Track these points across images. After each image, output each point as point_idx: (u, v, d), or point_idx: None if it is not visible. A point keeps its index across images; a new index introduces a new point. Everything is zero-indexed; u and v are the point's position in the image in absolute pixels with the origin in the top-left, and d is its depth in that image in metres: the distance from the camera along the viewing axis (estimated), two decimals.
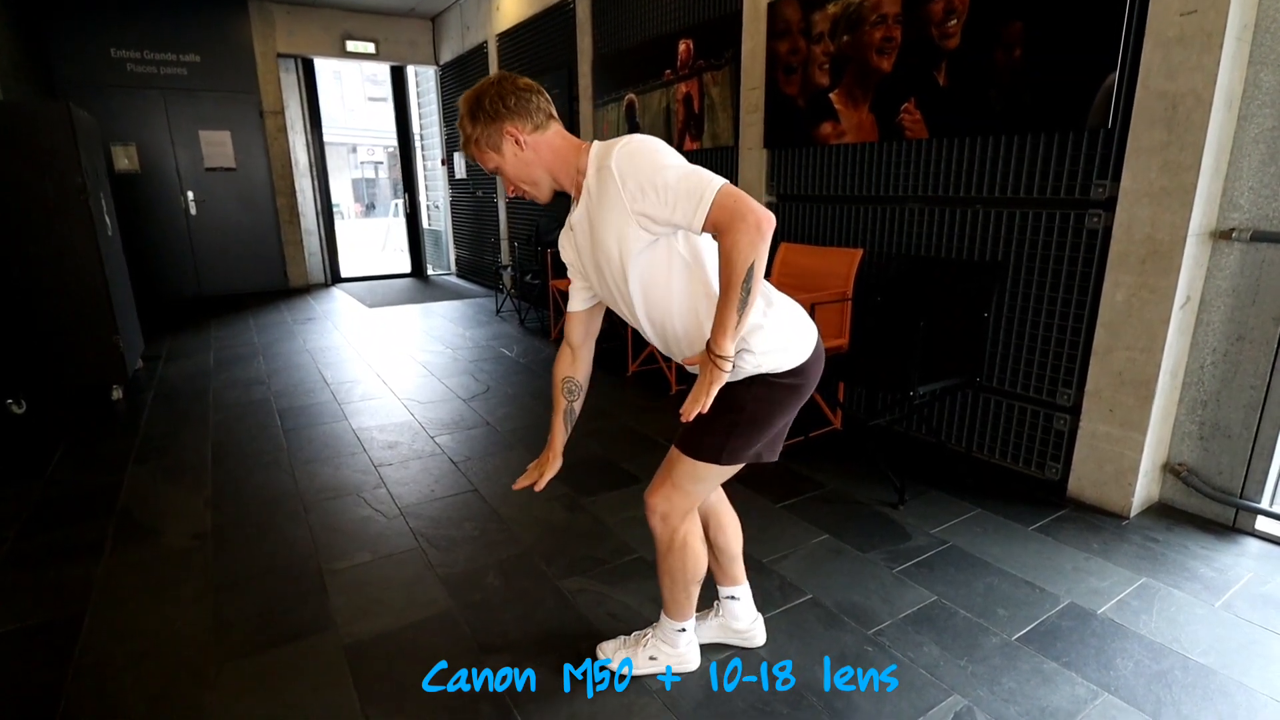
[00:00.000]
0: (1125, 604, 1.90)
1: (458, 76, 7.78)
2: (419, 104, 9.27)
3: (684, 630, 1.65)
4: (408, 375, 4.32)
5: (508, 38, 6.41)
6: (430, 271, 9.28)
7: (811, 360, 1.39)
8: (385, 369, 4.47)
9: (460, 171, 8.12)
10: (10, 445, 3.20)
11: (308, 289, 7.90)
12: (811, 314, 2.82)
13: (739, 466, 1.46)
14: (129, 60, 6.60)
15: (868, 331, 3.06)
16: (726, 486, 1.70)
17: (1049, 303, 2.54)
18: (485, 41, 6.84)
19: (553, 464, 1.63)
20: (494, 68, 6.74)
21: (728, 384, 1.35)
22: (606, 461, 2.94)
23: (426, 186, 9.51)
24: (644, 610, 1.92)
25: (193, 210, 7.11)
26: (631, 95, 4.69)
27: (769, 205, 3.73)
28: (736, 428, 1.37)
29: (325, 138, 8.21)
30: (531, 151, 1.33)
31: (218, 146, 7.10)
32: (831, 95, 3.23)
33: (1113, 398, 2.35)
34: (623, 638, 1.74)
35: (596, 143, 1.33)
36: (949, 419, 2.95)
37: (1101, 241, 2.37)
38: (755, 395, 1.35)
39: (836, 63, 3.18)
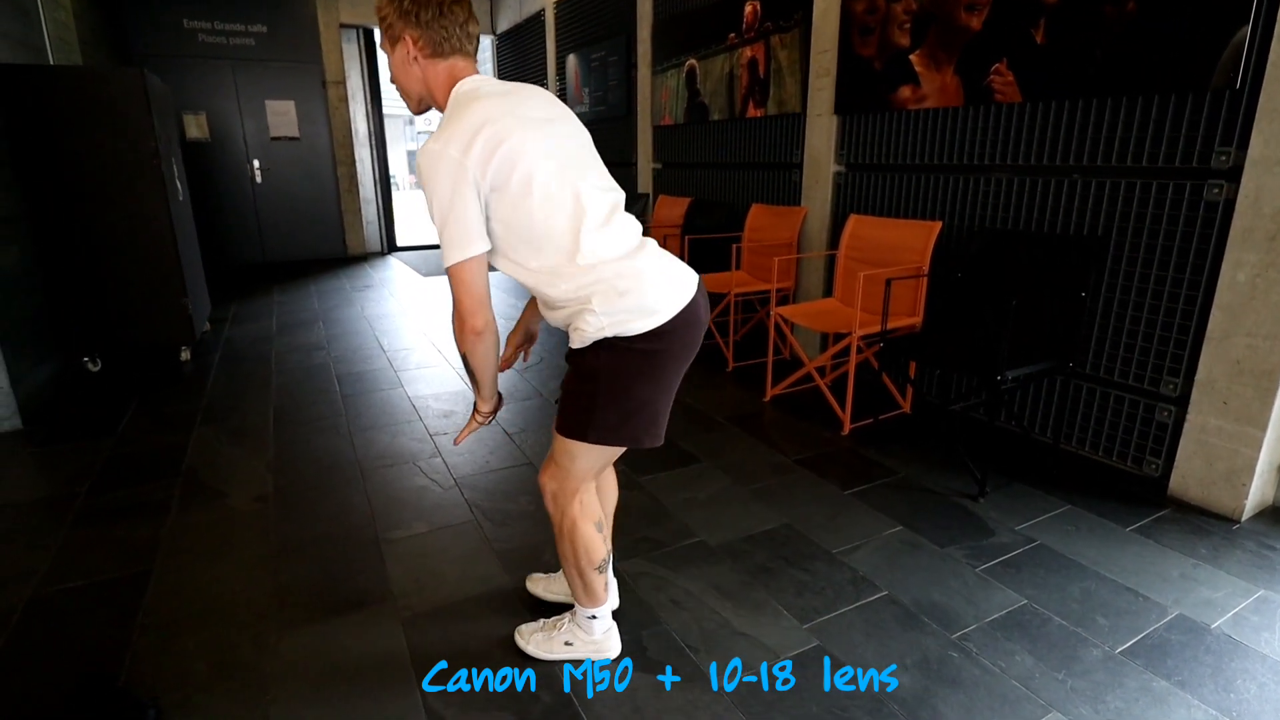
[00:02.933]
0: (1242, 618, 1.72)
1: (514, 46, 7.69)
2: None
3: (595, 618, 1.58)
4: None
5: (566, 4, 6.27)
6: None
7: (673, 325, 1.28)
8: (440, 337, 4.47)
9: None
10: (85, 401, 3.31)
11: (365, 257, 8.01)
12: (886, 290, 2.68)
13: (617, 448, 1.41)
14: (200, 31, 6.72)
15: (946, 310, 2.87)
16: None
17: (1156, 282, 2.32)
18: (542, 10, 6.72)
19: (527, 341, 1.63)
20: (551, 36, 6.62)
21: (578, 352, 1.33)
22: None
23: None
24: (706, 598, 1.83)
25: (258, 178, 7.25)
26: (692, 61, 4.51)
27: (837, 175, 3.54)
28: (596, 400, 1.32)
29: (383, 109, 8.25)
30: (419, 69, 1.31)
31: (282, 116, 7.20)
32: (912, 57, 3.01)
33: (1228, 389, 2.13)
34: (543, 620, 1.68)
35: (455, 93, 1.29)
36: (1035, 406, 2.75)
37: (1222, 215, 2.13)
38: (604, 362, 1.30)
39: (919, 22, 2.95)
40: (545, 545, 2.08)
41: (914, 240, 2.98)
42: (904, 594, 1.84)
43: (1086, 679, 1.52)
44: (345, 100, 7.49)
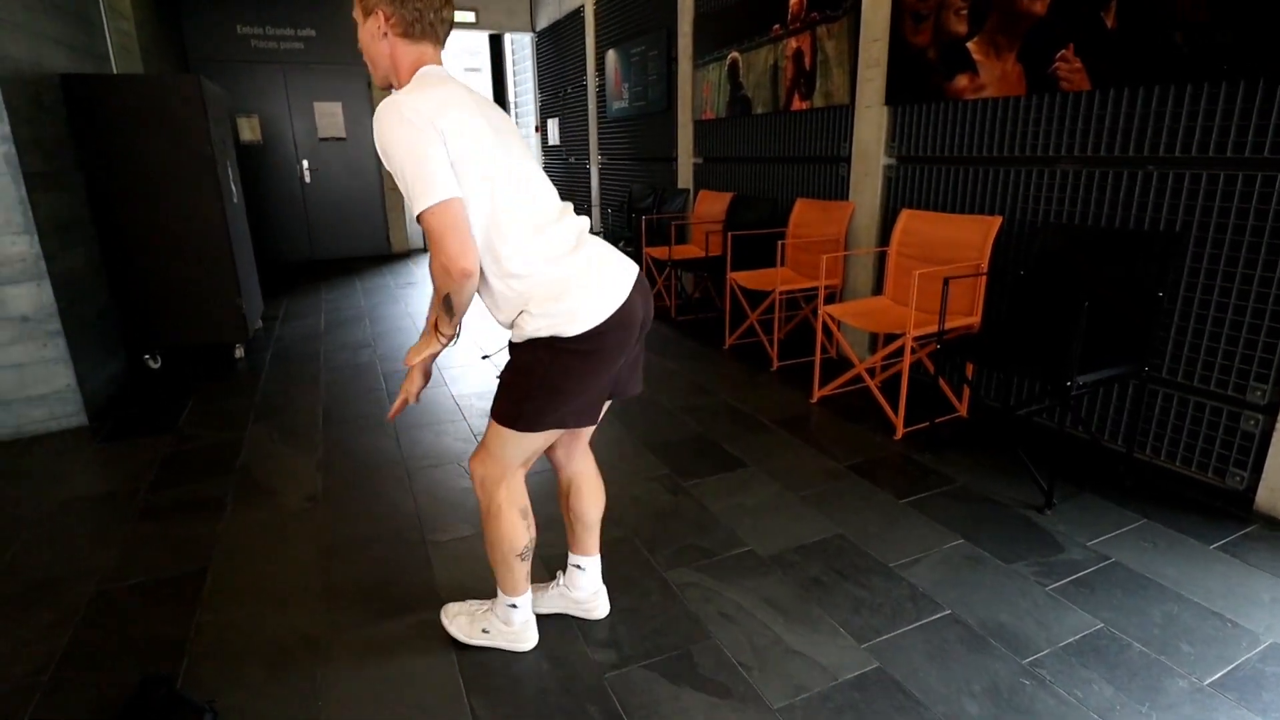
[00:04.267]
0: None
1: (553, 43, 7.68)
2: (514, 72, 9.26)
3: (515, 607, 1.60)
4: (503, 342, 4.31)
5: (605, 0, 6.22)
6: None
7: (606, 327, 1.32)
8: (481, 335, 4.48)
9: (554, 138, 8.07)
10: (146, 398, 3.41)
11: (408, 254, 8.13)
12: (944, 290, 2.57)
13: (550, 433, 1.44)
14: (253, 36, 6.89)
15: (1008, 310, 2.75)
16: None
17: (1242, 281, 2.16)
18: (582, 5, 6.68)
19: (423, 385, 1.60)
20: (590, 31, 6.58)
21: (515, 346, 1.38)
22: (708, 441, 2.79)
23: None
24: (757, 611, 1.78)
25: (307, 178, 7.41)
26: (735, 54, 4.42)
27: (887, 168, 3.42)
28: (529, 392, 1.36)
29: None
30: (388, 46, 1.32)
31: (330, 117, 7.34)
32: (969, 45, 2.88)
33: None
34: (469, 602, 1.71)
35: (423, 71, 1.31)
36: (1105, 411, 2.60)
37: None
38: (540, 360, 1.34)
39: (976, 8, 2.82)
40: None
41: (971, 236, 2.86)
42: (969, 614, 1.76)
43: (1173, 713, 1.42)
44: None
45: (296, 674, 1.60)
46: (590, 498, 1.69)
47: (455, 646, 1.67)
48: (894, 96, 3.27)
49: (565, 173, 7.98)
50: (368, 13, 1.31)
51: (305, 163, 7.36)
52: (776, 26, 3.98)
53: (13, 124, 2.79)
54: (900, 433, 2.78)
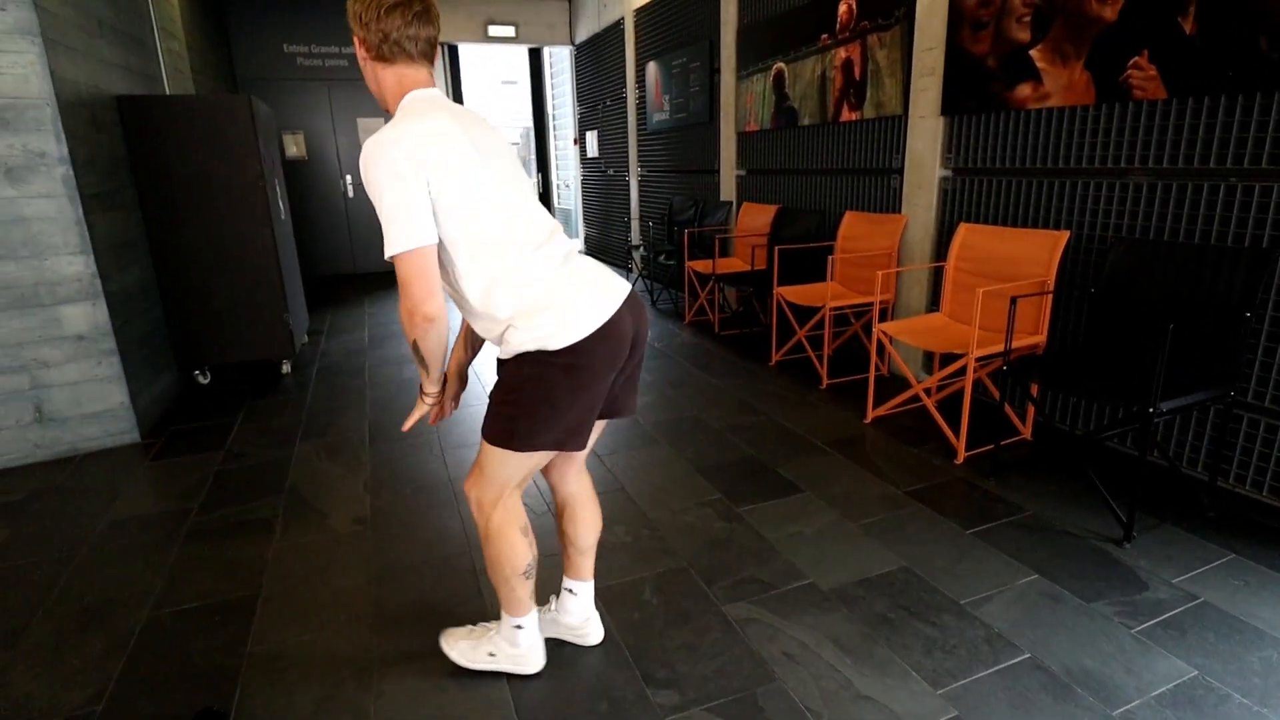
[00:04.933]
0: None
1: (593, 56, 7.69)
2: (552, 85, 9.31)
3: (521, 628, 1.57)
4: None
5: (645, 12, 6.21)
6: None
7: (591, 341, 1.31)
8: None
9: (592, 150, 8.07)
10: (196, 414, 3.45)
11: None
12: (1011, 308, 2.45)
13: (543, 454, 1.43)
14: (299, 55, 7.03)
15: (1078, 330, 2.61)
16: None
17: None
18: (622, 18, 6.68)
19: (459, 387, 1.62)
20: (630, 43, 6.57)
21: (503, 363, 1.37)
22: (759, 464, 2.71)
23: (557, 166, 9.58)
24: (823, 651, 1.69)
25: (350, 193, 7.52)
26: (780, 64, 4.34)
27: (942, 180, 3.31)
28: (518, 409, 1.35)
29: None
30: (371, 70, 1.35)
31: (373, 133, 7.44)
32: (1032, 52, 2.76)
33: None
34: (469, 627, 1.69)
35: (410, 97, 1.33)
36: (1183, 436, 2.46)
37: None
38: (527, 374, 1.33)
39: (1040, 15, 2.71)
40: (645, 583, 1.98)
41: (1036, 251, 2.74)
42: (1050, 658, 1.65)
43: None
44: None
45: (348, 708, 1.56)
46: (584, 522, 1.65)
47: (511, 687, 1.61)
48: (950, 106, 3.17)
49: (603, 184, 7.97)
50: (354, 40, 1.36)
51: (349, 178, 7.47)
52: (825, 36, 3.90)
53: (71, 146, 2.85)
54: (961, 457, 2.66)
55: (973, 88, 3.04)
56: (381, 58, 1.32)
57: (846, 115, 3.84)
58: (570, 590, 1.70)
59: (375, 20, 1.29)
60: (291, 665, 1.71)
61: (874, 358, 3.07)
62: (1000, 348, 2.60)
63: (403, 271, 1.25)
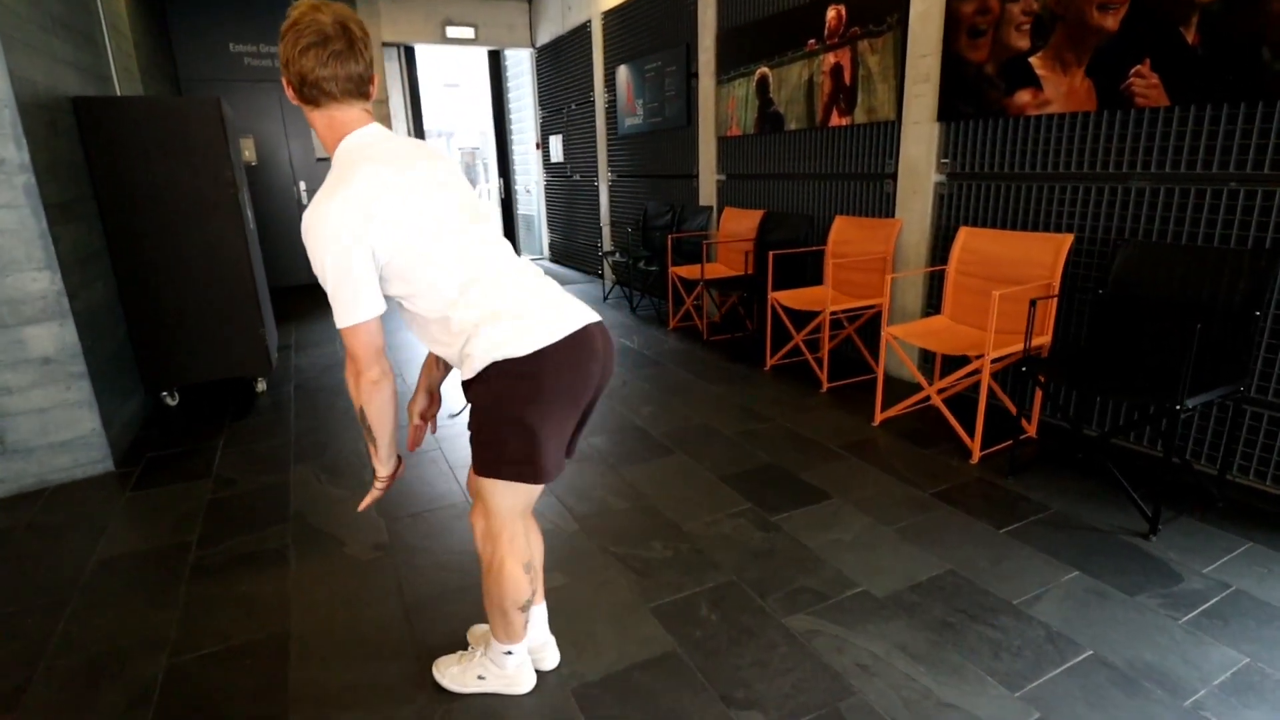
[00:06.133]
0: None
1: (555, 59, 7.60)
2: (510, 89, 9.15)
3: (511, 654, 1.57)
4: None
5: (615, 15, 6.16)
6: (523, 257, 9.22)
7: (556, 350, 1.29)
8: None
9: (556, 155, 7.97)
10: (170, 438, 3.22)
11: None
12: (1031, 310, 2.49)
13: (533, 487, 1.41)
14: (247, 54, 6.69)
15: (1080, 331, 2.69)
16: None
17: None
18: (589, 20, 6.61)
19: (428, 405, 1.60)
20: (598, 48, 6.51)
21: (471, 386, 1.33)
22: (782, 471, 2.70)
23: (516, 170, 9.42)
24: (895, 661, 1.68)
25: (304, 199, 7.19)
26: (764, 69, 4.37)
27: (938, 185, 3.38)
28: (498, 433, 1.33)
29: (424, 127, 8.18)
30: (305, 114, 1.29)
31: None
32: (1032, 60, 2.85)
33: None
34: (459, 653, 1.68)
35: (342, 147, 1.27)
36: (1186, 432, 2.56)
37: None
38: (495, 392, 1.30)
39: (1040, 23, 2.79)
40: (700, 599, 1.94)
41: (1040, 254, 2.81)
42: (1111, 653, 1.68)
43: None
44: (388, 119, 7.44)
45: None
46: (533, 544, 1.58)
47: (585, 714, 1.54)
48: (946, 112, 3.23)
49: (568, 190, 7.88)
50: (283, 81, 1.30)
51: (302, 184, 7.15)
52: (812, 41, 3.94)
53: (31, 151, 2.62)
54: (977, 457, 2.71)
55: (970, 94, 3.11)
56: (305, 99, 1.26)
57: (836, 120, 3.89)
58: None
59: (294, 60, 1.22)
60: (343, 710, 1.59)
61: (882, 360, 3.10)
62: (1007, 349, 2.66)
63: (348, 342, 1.26)
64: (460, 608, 1.94)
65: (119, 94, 4.02)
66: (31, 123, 2.65)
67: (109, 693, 1.67)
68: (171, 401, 3.66)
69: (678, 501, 2.50)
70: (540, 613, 1.67)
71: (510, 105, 9.17)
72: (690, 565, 2.10)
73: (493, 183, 9.60)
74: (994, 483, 2.55)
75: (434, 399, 1.59)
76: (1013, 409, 2.88)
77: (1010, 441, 2.69)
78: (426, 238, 1.26)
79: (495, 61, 8.63)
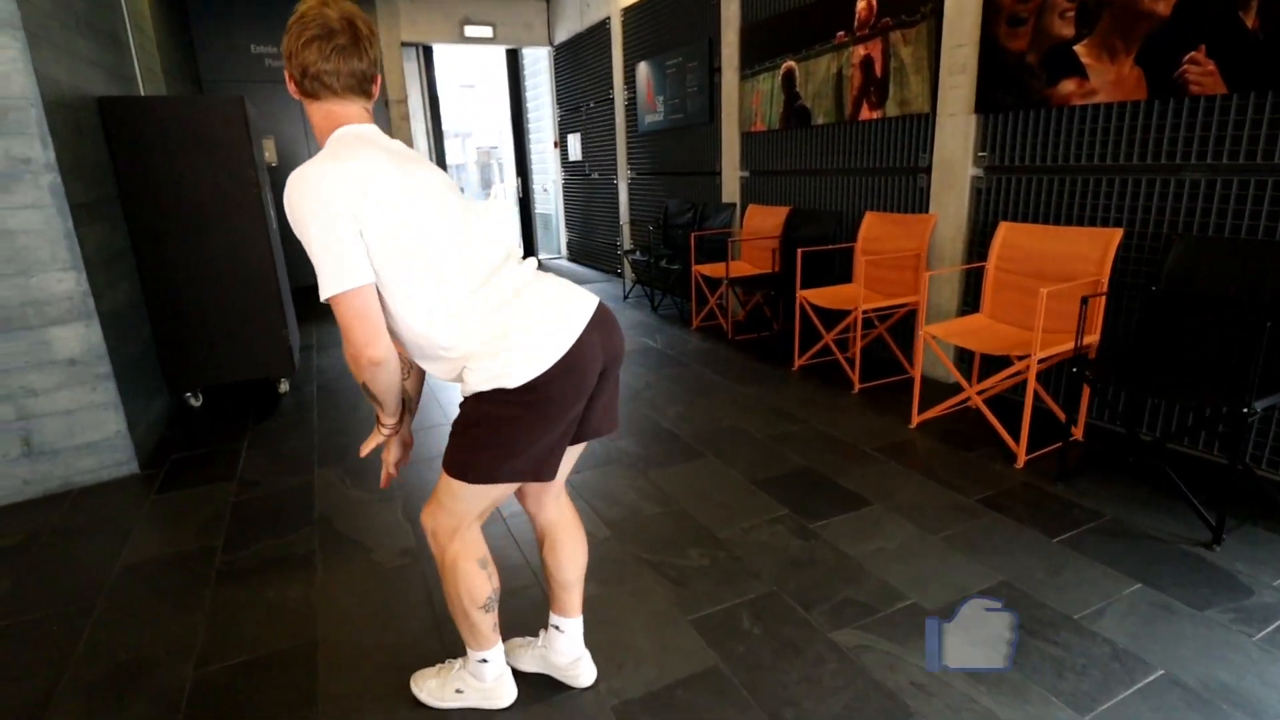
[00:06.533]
0: None
1: (573, 56, 7.54)
2: (527, 87, 9.11)
3: (486, 661, 1.50)
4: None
5: (635, 11, 6.09)
6: (540, 255, 9.18)
7: (551, 376, 1.23)
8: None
9: (575, 153, 7.91)
10: (194, 440, 3.19)
11: None
12: (1082, 308, 2.39)
13: (504, 486, 1.34)
14: (267, 55, 6.70)
15: (1139, 328, 2.58)
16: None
17: None
18: (607, 18, 6.55)
19: (401, 455, 1.55)
20: (618, 45, 6.44)
21: (464, 400, 1.30)
22: (819, 476, 2.61)
23: (533, 170, 9.38)
24: (953, 679, 1.59)
25: None
26: (791, 62, 4.28)
27: (975, 179, 3.27)
28: (478, 444, 1.28)
29: (443, 126, 8.16)
30: (305, 106, 1.28)
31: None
32: (1077, 48, 2.74)
33: None
34: (438, 666, 1.61)
35: (341, 132, 1.24)
36: (1252, 436, 2.44)
37: None
38: (486, 413, 1.26)
39: (1086, 10, 2.68)
40: (740, 611, 1.86)
41: (1086, 250, 2.70)
42: (1185, 673, 1.58)
43: None
44: (407, 119, 7.41)
45: None
46: (566, 554, 1.54)
47: None
48: (985, 104, 3.13)
49: (586, 188, 7.82)
50: (285, 74, 1.27)
51: None
52: (842, 33, 3.84)
53: (57, 151, 2.59)
54: (1022, 460, 2.61)
55: (1010, 84, 3.00)
56: (306, 93, 1.24)
57: (866, 114, 3.79)
58: (556, 627, 1.59)
59: (298, 52, 1.20)
60: None
61: (919, 360, 3.01)
62: (1055, 349, 2.56)
63: (341, 315, 1.18)
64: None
65: (143, 94, 4.01)
66: (57, 122, 2.62)
67: (135, 703, 1.62)
68: (195, 402, 3.63)
69: (711, 506, 2.42)
70: (575, 627, 1.60)
71: (528, 104, 9.13)
72: (728, 574, 2.03)
73: (509, 182, 9.57)
74: (1042, 488, 2.45)
75: (407, 446, 1.54)
76: (1060, 414, 2.77)
77: (1059, 444, 2.58)
78: (412, 236, 1.20)
79: (513, 60, 8.58)
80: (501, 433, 1.26)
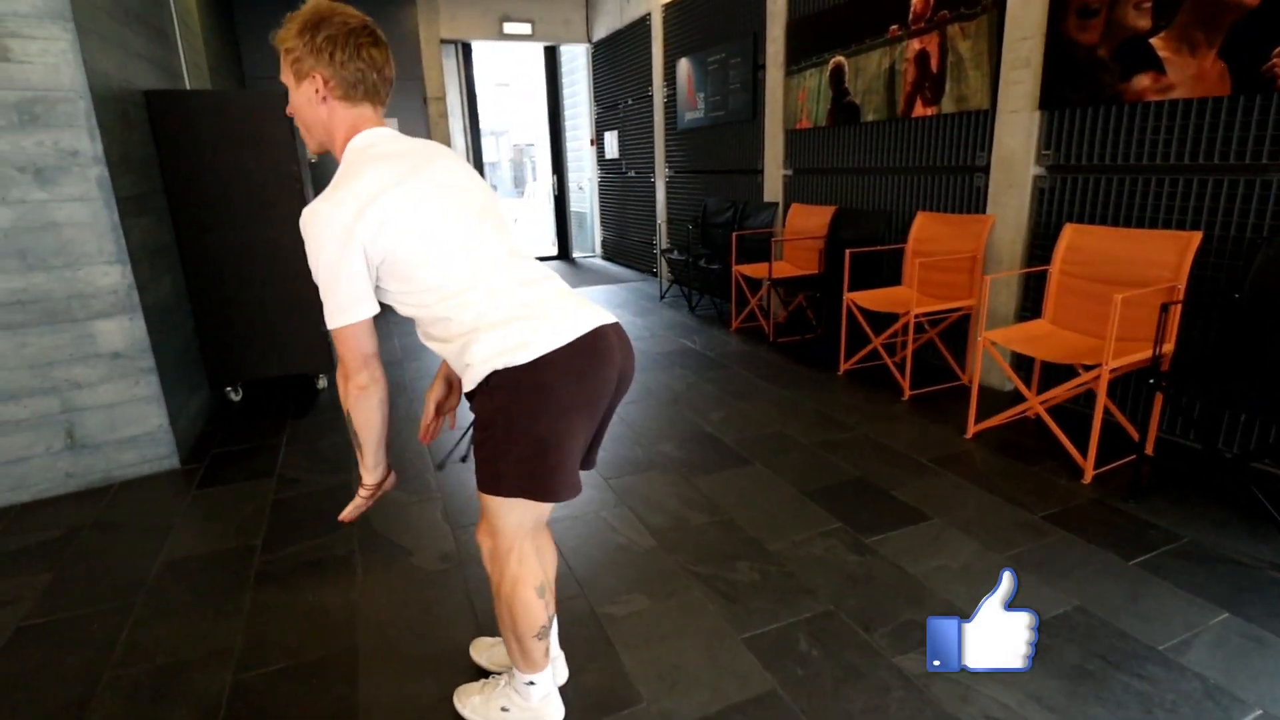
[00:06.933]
0: None
1: (612, 54, 7.47)
2: (561, 84, 9.07)
3: (534, 684, 1.45)
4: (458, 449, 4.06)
5: (677, 7, 6.00)
6: (574, 254, 9.13)
7: (565, 355, 1.18)
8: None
9: (611, 151, 7.85)
10: (234, 435, 3.18)
11: None
12: (1161, 315, 2.23)
13: (542, 503, 1.29)
14: None
15: (1219, 337, 2.43)
16: None
17: None
18: (648, 14, 6.46)
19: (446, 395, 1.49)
20: (658, 41, 6.35)
21: (475, 397, 1.25)
22: (872, 487, 2.50)
23: (569, 167, 9.33)
24: (1030, 713, 1.48)
25: None
26: (839, 58, 4.15)
27: (1037, 178, 3.12)
28: (500, 448, 1.23)
29: (480, 124, 8.16)
30: (326, 110, 1.24)
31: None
32: (1153, 41, 2.58)
33: None
34: (482, 682, 1.57)
35: (350, 147, 1.24)
36: None
37: None
38: (500, 406, 1.21)
39: (1163, 1, 2.53)
40: (797, 631, 1.76)
41: (1161, 254, 2.55)
42: None
43: None
44: (445, 116, 7.42)
45: None
46: (542, 556, 1.47)
47: None
48: (1050, 99, 2.98)
49: (622, 186, 7.76)
50: (301, 77, 1.23)
51: None
52: (895, 27, 3.71)
53: (105, 144, 2.58)
54: (1089, 476, 2.47)
55: (1079, 79, 2.85)
56: (349, 98, 1.23)
57: (920, 110, 3.65)
58: None
59: (354, 59, 1.21)
60: None
61: (978, 367, 2.87)
62: (1127, 359, 2.41)
63: (338, 344, 1.21)
64: None
65: (188, 88, 4.04)
66: (105, 115, 2.62)
67: (175, 708, 1.58)
68: (235, 397, 3.64)
69: (760, 517, 2.32)
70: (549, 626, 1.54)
71: (564, 101, 9.09)
72: (782, 591, 1.93)
73: (540, 181, 9.55)
74: (1113, 506, 2.31)
75: (454, 388, 1.48)
76: (1132, 430, 2.62)
77: (1132, 458, 2.43)
78: (428, 239, 1.19)
79: (551, 58, 8.55)
80: (519, 428, 1.20)
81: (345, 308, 1.17)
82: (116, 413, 2.72)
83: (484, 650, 1.70)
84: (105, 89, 2.67)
